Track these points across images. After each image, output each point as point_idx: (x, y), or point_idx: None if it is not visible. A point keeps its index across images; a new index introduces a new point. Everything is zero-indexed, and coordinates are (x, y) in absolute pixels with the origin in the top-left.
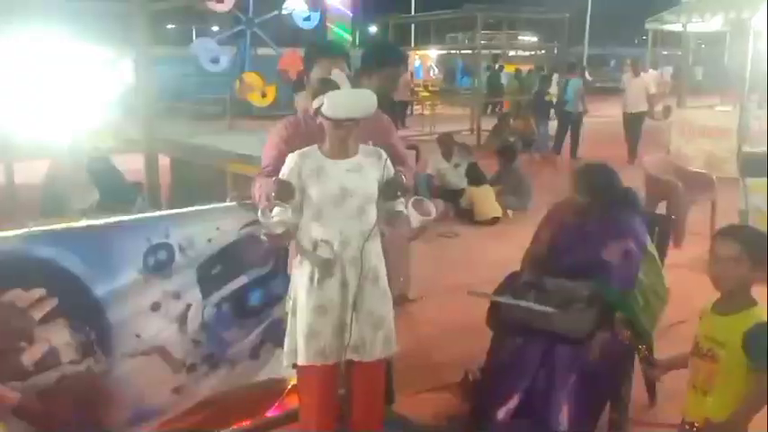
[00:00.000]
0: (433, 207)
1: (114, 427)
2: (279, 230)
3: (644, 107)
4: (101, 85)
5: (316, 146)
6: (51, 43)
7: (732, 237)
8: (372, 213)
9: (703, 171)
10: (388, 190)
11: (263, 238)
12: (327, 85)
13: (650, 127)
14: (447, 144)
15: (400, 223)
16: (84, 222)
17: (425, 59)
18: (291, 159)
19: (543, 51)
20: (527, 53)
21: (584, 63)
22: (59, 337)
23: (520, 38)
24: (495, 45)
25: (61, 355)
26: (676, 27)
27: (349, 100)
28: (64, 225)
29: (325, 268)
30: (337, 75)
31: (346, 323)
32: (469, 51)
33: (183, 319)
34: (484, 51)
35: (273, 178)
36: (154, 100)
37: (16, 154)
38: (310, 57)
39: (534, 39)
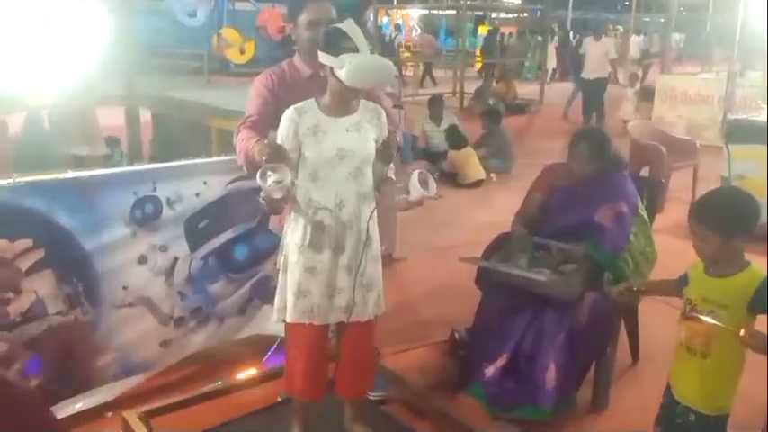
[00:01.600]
0: (434, 184)
1: (102, 379)
2: (278, 195)
3: (604, 73)
4: (76, 37)
5: (313, 100)
6: None
7: (697, 216)
8: (369, 175)
9: (686, 137)
10: (384, 152)
11: (261, 201)
12: (339, 39)
13: (616, 94)
14: (437, 107)
15: (389, 191)
16: (70, 174)
17: (407, 19)
18: (288, 116)
19: (525, 14)
20: (509, 15)
21: (568, 27)
22: (46, 288)
23: None
24: (477, 6)
25: (48, 306)
26: None
27: (372, 69)
28: (51, 176)
29: (319, 229)
30: (352, 28)
31: (336, 285)
32: (453, 12)
33: (169, 272)
34: (467, 12)
35: (265, 141)
36: (133, 53)
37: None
38: (296, 2)
39: (518, 0)
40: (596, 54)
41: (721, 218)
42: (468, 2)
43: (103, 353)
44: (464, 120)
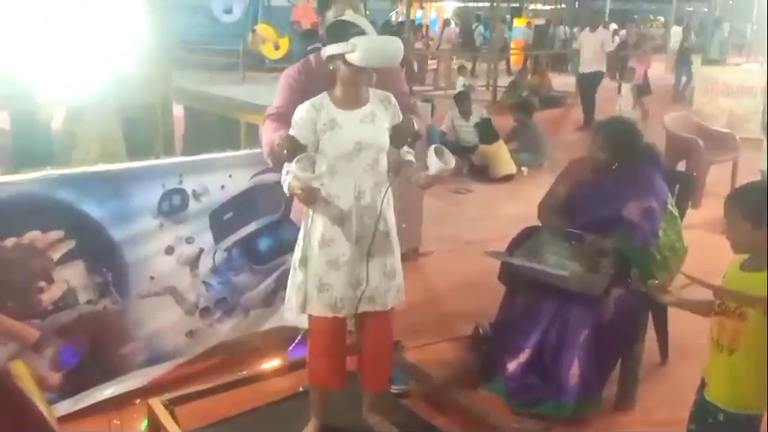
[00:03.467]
0: (452, 157)
1: (130, 366)
2: (316, 184)
3: (600, 66)
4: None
5: (325, 94)
6: None
7: (731, 201)
8: (384, 163)
9: (726, 130)
10: (398, 136)
11: (299, 192)
12: (345, 28)
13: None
14: (464, 101)
15: (409, 171)
16: (101, 167)
17: (441, 12)
18: (304, 111)
19: (564, 5)
20: (547, 7)
21: (606, 18)
22: (77, 277)
23: None
24: None
25: (79, 295)
26: None
27: (382, 47)
28: (81, 169)
29: (339, 223)
30: (354, 16)
31: (359, 276)
32: (487, 4)
33: (195, 263)
34: (502, 5)
35: (281, 132)
36: (170, 48)
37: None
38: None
39: None
40: (591, 46)
41: (753, 205)
42: None
43: (132, 341)
44: (497, 113)
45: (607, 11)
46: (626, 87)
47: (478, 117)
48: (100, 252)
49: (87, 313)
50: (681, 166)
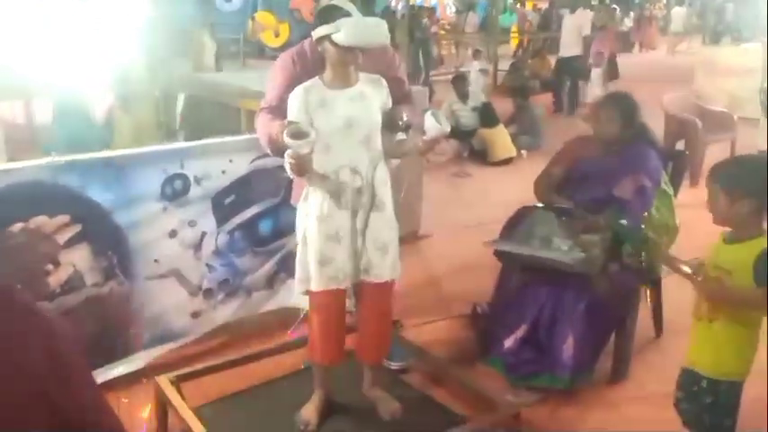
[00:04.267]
0: (447, 120)
1: (137, 347)
2: (306, 149)
3: (577, 50)
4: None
5: (317, 78)
6: None
7: (711, 176)
8: (378, 140)
9: (723, 110)
10: (390, 123)
11: (290, 161)
12: (333, 11)
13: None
14: (461, 85)
15: (401, 149)
16: (104, 153)
17: None
18: (297, 95)
19: None
20: None
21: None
22: (83, 261)
23: None
24: None
25: (85, 278)
26: None
27: (367, 27)
28: (86, 155)
29: (336, 197)
30: (342, 1)
31: (357, 249)
32: None
33: (198, 246)
34: None
35: (285, 121)
36: (169, 36)
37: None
38: None
39: None
40: (569, 29)
41: (729, 177)
42: None
43: (138, 322)
44: (498, 96)
45: None
46: (595, 72)
47: (476, 101)
48: (105, 236)
49: (94, 295)
50: (680, 146)
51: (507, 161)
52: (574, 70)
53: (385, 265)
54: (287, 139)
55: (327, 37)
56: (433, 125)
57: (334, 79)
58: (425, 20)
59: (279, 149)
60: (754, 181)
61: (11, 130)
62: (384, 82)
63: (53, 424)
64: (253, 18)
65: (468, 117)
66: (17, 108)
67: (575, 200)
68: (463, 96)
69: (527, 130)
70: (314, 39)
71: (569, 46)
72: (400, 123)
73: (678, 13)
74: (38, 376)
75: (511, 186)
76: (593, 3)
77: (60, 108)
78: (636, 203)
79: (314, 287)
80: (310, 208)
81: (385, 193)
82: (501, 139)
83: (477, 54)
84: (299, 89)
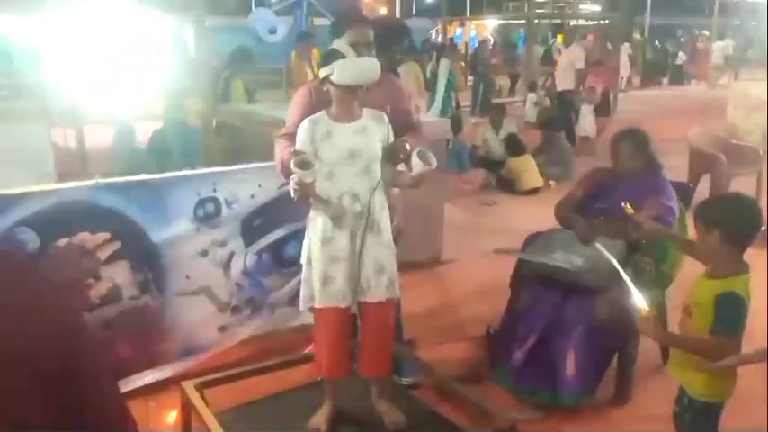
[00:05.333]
0: (434, 158)
1: (167, 357)
2: (309, 179)
3: (570, 84)
4: (166, 55)
5: (324, 112)
6: (117, 9)
7: (695, 214)
8: (377, 170)
9: (747, 144)
10: (391, 155)
11: (294, 187)
12: (333, 54)
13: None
14: (497, 115)
15: (401, 181)
16: (143, 176)
17: (482, 29)
18: (305, 127)
19: (606, 21)
20: (590, 23)
21: (646, 33)
22: (121, 275)
23: (581, 7)
24: (549, 15)
25: (123, 292)
26: None
27: (356, 67)
28: (126, 178)
29: (337, 221)
30: (341, 46)
31: (356, 270)
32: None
33: (227, 265)
34: (544, 21)
35: (292, 149)
36: (213, 69)
37: (86, 119)
38: (336, 28)
39: (596, 8)
40: (563, 63)
41: (704, 209)
42: (542, 11)
43: (169, 334)
44: (532, 128)
45: (647, 26)
46: (586, 109)
47: (507, 131)
48: (142, 253)
49: (130, 308)
50: (704, 180)
51: (535, 191)
52: (566, 104)
53: (382, 285)
54: (293, 168)
55: (327, 77)
56: (417, 164)
57: (339, 113)
58: (486, 53)
59: (288, 174)
60: (722, 212)
61: (59, 153)
62: (386, 118)
63: (60, 410)
64: (296, 50)
65: (498, 147)
66: (69, 134)
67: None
68: (496, 126)
69: (556, 161)
70: (319, 79)
71: (563, 80)
72: (401, 156)
73: (719, 46)
74: (49, 350)
75: (536, 215)
76: (634, 36)
77: (119, 135)
78: (658, 219)
79: (317, 304)
80: (315, 230)
81: (382, 217)
82: (528, 169)
83: (532, 86)
84: (306, 122)
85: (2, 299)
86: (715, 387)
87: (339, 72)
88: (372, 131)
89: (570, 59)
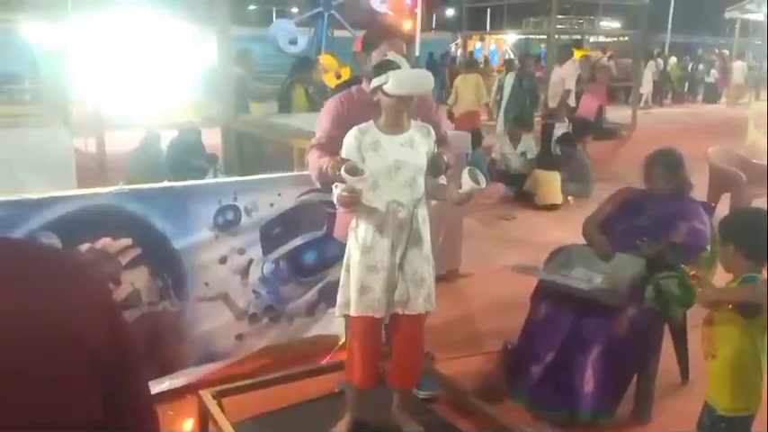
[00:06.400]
0: (483, 178)
1: (185, 363)
2: (361, 185)
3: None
4: (186, 63)
5: (372, 122)
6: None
7: (718, 228)
8: (421, 182)
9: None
10: (434, 166)
11: (343, 194)
12: (387, 65)
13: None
14: (516, 128)
15: (442, 193)
16: (165, 183)
17: (501, 44)
18: (353, 135)
19: (626, 38)
20: (609, 39)
21: (665, 51)
22: (141, 281)
23: (600, 23)
24: (573, 30)
25: (142, 297)
26: (759, 16)
27: (412, 78)
28: (148, 185)
29: (378, 232)
30: (395, 56)
31: (394, 281)
32: (545, 36)
33: (245, 273)
34: (563, 37)
35: (337, 157)
36: (232, 78)
37: (107, 125)
38: (370, 41)
39: (616, 24)
40: (553, 81)
41: (723, 224)
42: (561, 26)
43: (187, 341)
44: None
45: (667, 43)
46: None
47: (524, 147)
48: (162, 259)
49: (149, 313)
50: (724, 199)
51: (554, 207)
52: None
53: (420, 298)
54: (344, 175)
55: (379, 87)
56: (467, 182)
57: (387, 124)
58: (532, 68)
59: (327, 183)
60: (737, 227)
61: (81, 158)
62: (433, 132)
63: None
64: (317, 60)
65: (516, 161)
66: (90, 141)
67: (621, 241)
68: (515, 140)
69: (574, 177)
70: (370, 89)
71: (553, 98)
72: (444, 168)
73: (738, 66)
74: (98, 349)
75: (555, 230)
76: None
77: (145, 142)
78: (692, 244)
79: (353, 312)
80: (356, 239)
81: (424, 230)
82: (551, 183)
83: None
84: (354, 130)
85: (47, 282)
86: (742, 398)
87: (395, 82)
88: (419, 144)
89: (561, 77)
